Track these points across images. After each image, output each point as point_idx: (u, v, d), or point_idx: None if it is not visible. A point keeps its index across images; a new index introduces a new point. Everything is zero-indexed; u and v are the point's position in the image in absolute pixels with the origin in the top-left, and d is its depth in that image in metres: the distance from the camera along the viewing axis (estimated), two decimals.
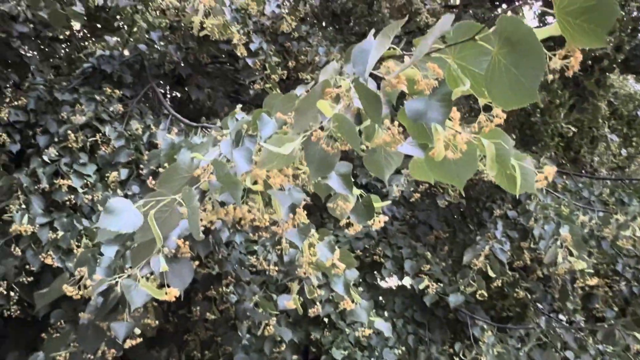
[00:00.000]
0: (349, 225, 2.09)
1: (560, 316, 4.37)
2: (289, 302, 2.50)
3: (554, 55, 0.91)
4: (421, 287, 3.94)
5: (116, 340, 2.21)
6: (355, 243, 4.49)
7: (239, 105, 2.34)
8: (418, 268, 4.12)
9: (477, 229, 4.66)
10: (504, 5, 6.47)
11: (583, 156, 7.98)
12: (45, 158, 3.10)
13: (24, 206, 2.85)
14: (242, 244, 3.63)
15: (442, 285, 4.02)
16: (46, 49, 3.85)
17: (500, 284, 3.75)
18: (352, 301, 2.60)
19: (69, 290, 1.93)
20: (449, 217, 5.08)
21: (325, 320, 4.11)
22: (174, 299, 1.79)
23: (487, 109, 1.16)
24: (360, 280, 4.45)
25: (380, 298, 4.49)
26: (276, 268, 2.81)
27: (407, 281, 4.65)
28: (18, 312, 2.71)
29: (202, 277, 3.12)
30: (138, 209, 1.27)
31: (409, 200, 4.75)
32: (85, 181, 3.07)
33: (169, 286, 1.76)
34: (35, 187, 2.95)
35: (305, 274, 2.54)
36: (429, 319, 4.01)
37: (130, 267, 1.85)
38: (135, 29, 3.80)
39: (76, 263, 1.95)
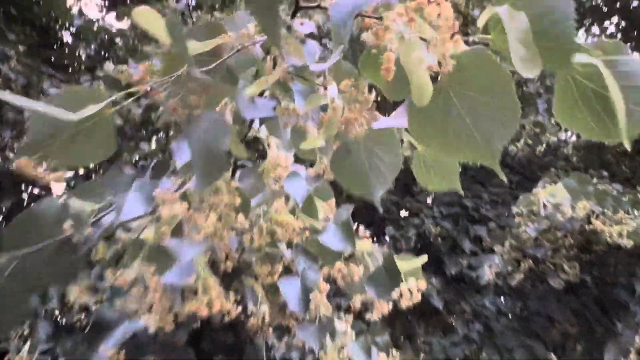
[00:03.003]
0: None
1: None
2: None
3: None
4: None
5: None
6: (452, 350, 3.49)
7: None
8: None
9: (619, 317, 3.44)
10: None
11: None
12: None
13: (27, 331, 2.45)
14: None
15: None
16: None
17: None
18: None
19: None
20: (578, 306, 3.90)
21: None
22: None
23: None
24: None
25: None
26: None
27: None
28: None
29: None
30: None
31: (516, 287, 3.73)
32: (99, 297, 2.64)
33: None
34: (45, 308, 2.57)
35: None
36: None
37: None
38: None
39: None
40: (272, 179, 1.24)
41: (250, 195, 1.27)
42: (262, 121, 1.06)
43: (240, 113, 0.86)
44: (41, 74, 3.72)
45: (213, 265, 1.55)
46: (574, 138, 5.32)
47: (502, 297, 3.85)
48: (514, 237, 3.30)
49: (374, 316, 1.29)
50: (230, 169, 1.25)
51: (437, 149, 0.77)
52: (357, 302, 1.33)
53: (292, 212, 1.34)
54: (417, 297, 1.16)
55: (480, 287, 4.09)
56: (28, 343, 2.39)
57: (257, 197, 1.27)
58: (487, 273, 3.21)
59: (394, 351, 1.74)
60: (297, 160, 1.41)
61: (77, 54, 5.48)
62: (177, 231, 0.98)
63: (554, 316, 3.61)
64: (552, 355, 3.13)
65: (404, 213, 5.01)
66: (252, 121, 1.15)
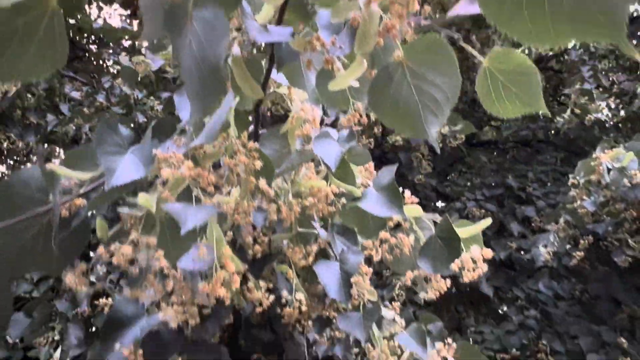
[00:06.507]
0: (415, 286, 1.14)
1: None
2: None
3: None
4: None
5: None
6: (507, 339, 3.23)
7: None
8: None
9: None
10: None
11: None
12: (92, 278, 2.66)
13: (57, 337, 2.35)
14: None
15: None
16: None
17: None
18: None
19: None
20: None
21: None
22: None
23: None
24: None
25: None
26: None
27: None
28: None
29: None
30: None
31: (573, 269, 3.42)
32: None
33: None
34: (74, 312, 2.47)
35: None
36: None
37: None
38: None
39: None
40: (298, 139, 1.05)
41: (274, 163, 1.09)
42: (281, 65, 0.88)
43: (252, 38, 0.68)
44: (62, 78, 3.66)
45: (240, 250, 1.38)
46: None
47: (558, 281, 3.55)
48: (569, 213, 3.01)
49: (429, 296, 1.08)
50: (249, 131, 1.07)
51: (387, 118, 0.73)
52: (407, 280, 1.13)
53: (325, 180, 1.15)
54: (483, 268, 0.95)
55: (532, 272, 3.81)
56: (59, 350, 2.29)
57: (283, 164, 1.08)
58: (543, 253, 2.93)
59: (449, 340, 1.53)
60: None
61: (100, 60, 5.47)
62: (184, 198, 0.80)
63: (619, 298, 3.29)
64: (622, 339, 2.82)
65: (440, 204, 4.75)
66: (268, 71, 0.96)
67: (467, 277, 0.93)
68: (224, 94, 0.58)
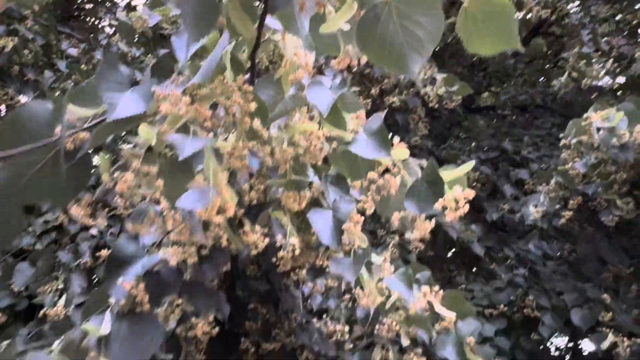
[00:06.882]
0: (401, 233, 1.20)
1: None
2: None
3: None
4: (604, 346, 2.63)
5: None
6: (496, 296, 3.34)
7: None
8: (594, 319, 2.82)
9: None
10: None
11: None
12: (94, 232, 2.73)
13: (61, 286, 2.44)
14: (342, 310, 2.81)
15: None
16: None
17: None
18: None
19: None
20: (630, 246, 3.65)
21: None
22: None
23: None
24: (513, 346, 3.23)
25: None
26: (346, 329, 1.94)
27: (585, 343, 3.31)
28: None
29: (274, 354, 2.34)
30: None
31: (562, 230, 3.51)
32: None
33: None
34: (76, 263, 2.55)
35: (388, 332, 1.63)
36: None
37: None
38: None
39: None
40: (292, 85, 1.09)
41: (269, 108, 1.13)
42: (274, 9, 0.91)
43: None
44: (59, 34, 3.64)
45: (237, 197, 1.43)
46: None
47: (547, 242, 3.64)
48: (561, 175, 3.07)
49: (414, 236, 1.15)
50: (245, 76, 1.11)
51: (373, 56, 0.77)
52: (395, 221, 1.19)
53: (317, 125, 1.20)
54: (464, 208, 1.00)
55: (523, 233, 3.90)
56: (63, 297, 2.38)
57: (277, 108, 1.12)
58: (533, 212, 3.00)
59: (436, 287, 1.60)
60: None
61: (95, 19, 5.41)
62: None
63: (606, 257, 3.39)
64: (605, 296, 2.93)
65: None
66: (263, 16, 0.99)
67: (450, 216, 0.99)
68: (218, 19, 0.62)
